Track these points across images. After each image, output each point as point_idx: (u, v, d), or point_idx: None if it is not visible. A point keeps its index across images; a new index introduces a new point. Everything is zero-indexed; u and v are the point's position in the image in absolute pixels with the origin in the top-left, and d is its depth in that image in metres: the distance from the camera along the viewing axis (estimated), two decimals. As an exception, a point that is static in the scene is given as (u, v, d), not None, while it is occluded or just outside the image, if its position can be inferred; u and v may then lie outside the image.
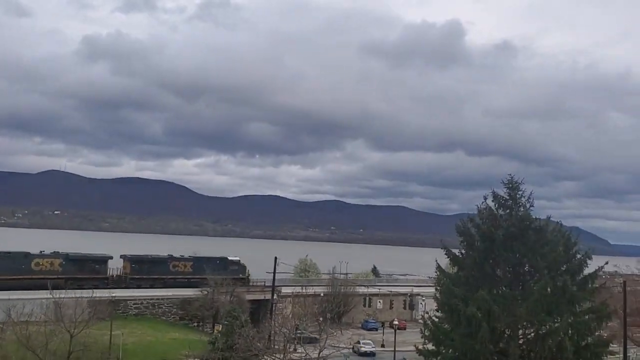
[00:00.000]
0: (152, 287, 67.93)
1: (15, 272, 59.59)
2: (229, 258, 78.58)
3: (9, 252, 63.25)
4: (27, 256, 62.40)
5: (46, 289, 50.85)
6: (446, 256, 30.56)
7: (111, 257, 69.79)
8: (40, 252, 64.88)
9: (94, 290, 51.76)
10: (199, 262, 72.97)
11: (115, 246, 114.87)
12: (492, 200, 29.64)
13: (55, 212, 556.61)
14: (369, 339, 63.77)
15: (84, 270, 64.77)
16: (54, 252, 66.15)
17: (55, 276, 59.76)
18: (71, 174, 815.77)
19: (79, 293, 49.90)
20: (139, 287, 66.82)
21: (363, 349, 58.76)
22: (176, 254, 76.95)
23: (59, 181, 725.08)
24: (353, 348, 58.34)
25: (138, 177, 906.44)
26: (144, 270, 68.94)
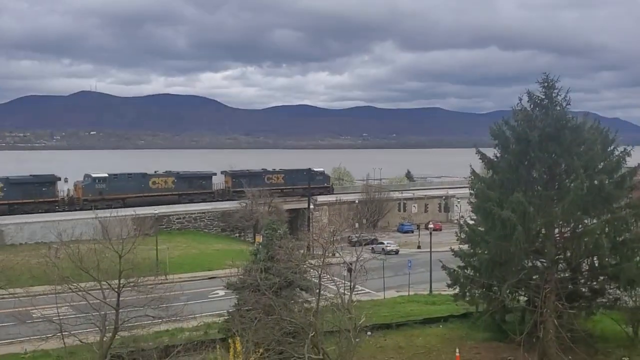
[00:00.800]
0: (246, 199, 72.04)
1: (138, 190, 67.21)
2: (314, 169, 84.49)
3: (131, 174, 70.00)
4: (144, 176, 69.40)
5: (166, 203, 64.53)
6: (480, 160, 30.38)
7: (215, 174, 76.23)
8: (155, 172, 71.89)
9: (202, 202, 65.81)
10: (289, 174, 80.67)
11: (160, 163, 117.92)
12: (528, 101, 28.91)
13: (92, 133, 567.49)
14: (391, 240, 66.58)
15: (193, 186, 71.64)
16: (166, 171, 73.27)
17: (170, 193, 68.81)
18: (102, 93, 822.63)
19: (122, 212, 52.24)
20: (240, 198, 72.23)
21: (388, 248, 61.23)
22: (225, 168, 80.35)
23: (92, 102, 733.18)
24: (373, 249, 59.01)
25: (168, 94, 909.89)
26: (243, 184, 73.98)
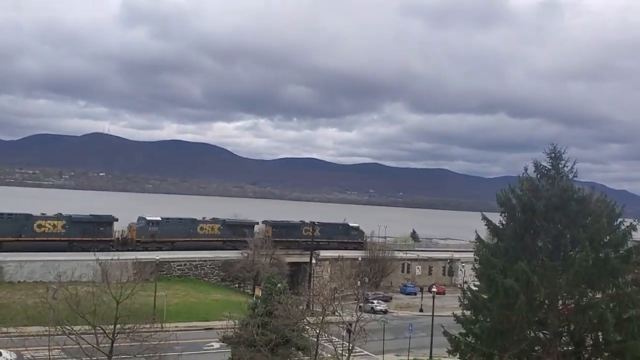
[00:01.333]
0: (288, 248, 75.67)
1: (187, 235, 69.81)
2: (350, 224, 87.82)
3: (182, 219, 72.98)
4: (194, 222, 72.19)
5: (212, 249, 67.84)
6: (486, 227, 30.27)
7: (257, 223, 78.05)
8: (203, 218, 74.62)
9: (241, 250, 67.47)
10: (325, 227, 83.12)
11: (165, 207, 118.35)
12: (534, 170, 29.03)
13: (100, 174, 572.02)
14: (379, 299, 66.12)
15: (237, 234, 73.06)
16: (213, 218, 75.93)
17: (215, 239, 71.34)
18: (114, 136, 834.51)
19: (123, 256, 52.03)
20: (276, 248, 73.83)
21: (377, 308, 60.47)
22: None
23: (103, 144, 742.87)
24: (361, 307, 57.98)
25: (179, 140, 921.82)
26: (283, 234, 78.00)
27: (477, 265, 30.77)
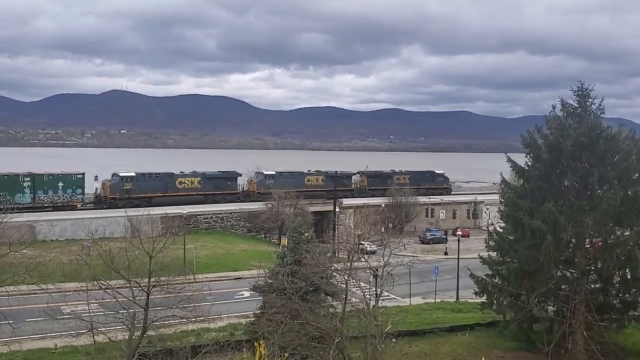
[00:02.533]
0: (381, 196, 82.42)
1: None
2: (436, 171, 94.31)
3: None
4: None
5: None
6: (511, 168, 30.05)
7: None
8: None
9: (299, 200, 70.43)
10: (414, 175, 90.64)
11: (189, 162, 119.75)
12: (561, 109, 28.51)
13: (122, 131, 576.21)
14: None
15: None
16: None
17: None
18: (133, 93, 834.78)
19: (151, 210, 53.03)
20: (373, 196, 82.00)
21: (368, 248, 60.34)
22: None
23: (122, 101, 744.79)
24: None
25: (197, 94, 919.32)
26: (376, 182, 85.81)
27: (502, 208, 30.77)
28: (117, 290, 22.80)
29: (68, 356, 27.72)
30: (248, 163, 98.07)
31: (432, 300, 42.62)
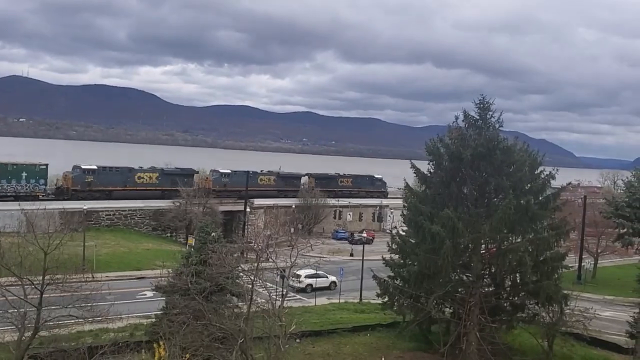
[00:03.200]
0: (328, 197, 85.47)
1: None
2: (375, 176, 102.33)
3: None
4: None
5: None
6: (414, 175, 31.26)
7: (197, 172, 79.83)
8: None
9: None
10: (356, 179, 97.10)
11: (88, 155, 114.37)
12: (463, 120, 30.02)
13: (20, 120, 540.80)
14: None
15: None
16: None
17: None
18: (35, 79, 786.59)
19: (49, 205, 50.29)
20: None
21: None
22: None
23: (22, 87, 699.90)
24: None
25: (104, 85, 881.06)
26: (323, 184, 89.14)
27: (405, 212, 31.91)
28: (7, 288, 21.49)
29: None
30: (154, 159, 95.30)
31: (337, 301, 43.37)
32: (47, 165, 64.23)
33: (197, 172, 79.81)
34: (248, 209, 72.08)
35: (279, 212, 74.88)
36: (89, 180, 66.15)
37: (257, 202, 78.07)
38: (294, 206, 79.38)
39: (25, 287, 21.56)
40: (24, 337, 21.36)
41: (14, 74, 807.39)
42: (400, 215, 33.60)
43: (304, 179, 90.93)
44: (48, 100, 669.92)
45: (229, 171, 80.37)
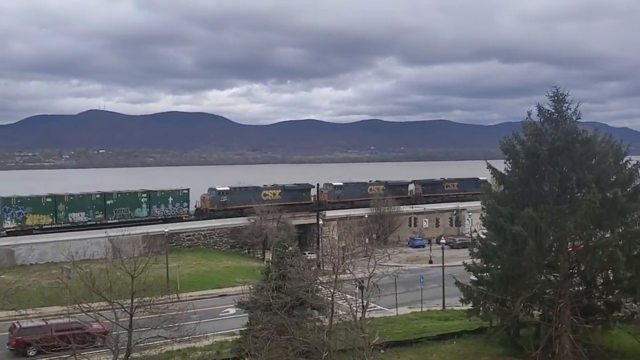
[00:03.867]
0: (434, 202, 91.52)
1: (361, 196, 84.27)
2: (480, 178, 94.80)
3: (247, 187, 79.91)
4: (257, 189, 78.67)
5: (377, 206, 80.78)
6: (491, 175, 30.27)
7: (313, 186, 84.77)
8: (264, 185, 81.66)
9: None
10: (462, 182, 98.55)
11: (169, 180, 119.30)
12: (537, 115, 28.84)
13: (100, 151, 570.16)
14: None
15: (295, 198, 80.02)
16: (274, 184, 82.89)
17: (278, 203, 74.97)
18: (110, 112, 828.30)
19: (132, 230, 52.40)
20: (426, 203, 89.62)
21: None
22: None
23: (100, 120, 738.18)
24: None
25: (176, 111, 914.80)
26: (429, 190, 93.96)
27: (484, 214, 30.93)
28: (100, 312, 22.43)
29: (51, 382, 27.10)
30: (229, 178, 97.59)
31: (419, 310, 42.57)
32: (188, 190, 72.54)
33: (314, 187, 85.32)
34: (321, 222, 72.37)
35: (352, 223, 74.67)
36: (224, 200, 73.62)
37: (329, 214, 78.27)
38: (366, 216, 78.96)
39: (116, 310, 22.43)
40: (118, 359, 22.18)
41: (92, 108, 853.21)
42: (479, 218, 32.61)
43: (410, 186, 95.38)
44: (124, 131, 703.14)
45: (341, 184, 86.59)
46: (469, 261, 32.43)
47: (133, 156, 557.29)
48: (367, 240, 52.07)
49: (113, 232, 43.59)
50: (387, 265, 37.54)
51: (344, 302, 26.50)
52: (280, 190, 79.36)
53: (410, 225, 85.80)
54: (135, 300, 22.37)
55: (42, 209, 60.92)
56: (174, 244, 64.73)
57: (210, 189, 75.87)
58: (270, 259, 34.73)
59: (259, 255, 68.47)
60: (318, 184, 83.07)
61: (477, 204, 49.87)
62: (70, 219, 62.33)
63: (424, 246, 75.72)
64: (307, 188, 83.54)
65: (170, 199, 70.06)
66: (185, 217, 70.35)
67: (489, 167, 29.98)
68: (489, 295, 30.07)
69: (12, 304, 26.56)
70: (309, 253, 59.79)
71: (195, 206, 74.28)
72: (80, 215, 62.94)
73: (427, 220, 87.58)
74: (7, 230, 59.23)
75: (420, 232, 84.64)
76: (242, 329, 27.37)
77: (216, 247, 69.72)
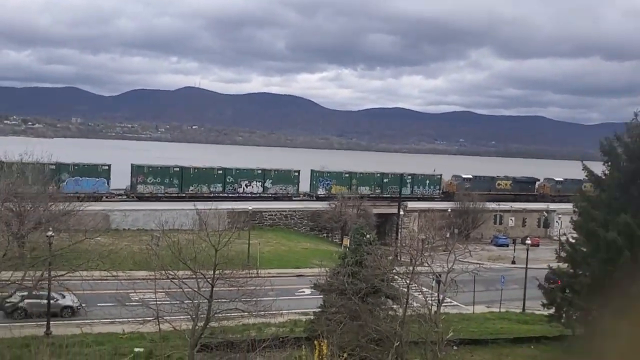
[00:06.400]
0: (527, 201, 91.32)
1: (488, 189, 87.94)
2: (534, 177, 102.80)
3: (483, 176, 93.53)
4: (493, 179, 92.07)
5: (505, 201, 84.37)
6: (586, 177, 28.73)
7: (538, 179, 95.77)
8: (497, 176, 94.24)
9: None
10: (515, 182, 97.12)
11: (256, 160, 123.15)
12: (644, 116, 26.98)
13: (193, 127, 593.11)
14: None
15: (523, 189, 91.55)
16: (505, 176, 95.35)
17: (508, 193, 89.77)
18: (205, 90, 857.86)
19: (218, 205, 54.38)
20: (553, 201, 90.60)
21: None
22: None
23: (195, 97, 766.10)
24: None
25: (266, 92, 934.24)
26: (558, 190, 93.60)
27: (575, 217, 29.47)
28: (183, 280, 23.47)
29: (134, 342, 28.76)
30: (313, 162, 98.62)
31: (497, 310, 41.37)
32: (441, 175, 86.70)
33: (539, 180, 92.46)
34: (402, 212, 71.70)
35: (435, 216, 73.37)
36: (467, 186, 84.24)
37: (411, 205, 77.30)
38: (449, 210, 77.30)
39: (199, 280, 23.38)
40: (197, 327, 23.18)
41: (188, 85, 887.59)
42: (570, 221, 31.10)
43: (538, 184, 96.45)
44: (217, 109, 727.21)
45: (470, 176, 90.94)
46: (554, 265, 31.11)
47: (223, 134, 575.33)
48: (448, 234, 51.07)
49: (200, 206, 45.35)
50: (467, 262, 36.74)
51: (419, 294, 26.21)
52: (511, 182, 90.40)
53: (495, 223, 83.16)
54: (217, 272, 23.20)
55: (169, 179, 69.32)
56: (257, 222, 66.37)
57: (456, 176, 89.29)
58: (348, 245, 34.90)
59: (337, 240, 68.92)
60: (441, 175, 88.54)
61: (569, 206, 47.64)
62: (194, 189, 70.34)
63: (507, 245, 73.22)
64: (533, 181, 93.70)
65: (427, 181, 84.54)
66: (436, 197, 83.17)
67: (585, 168, 28.47)
68: (574, 302, 28.73)
69: (105, 265, 28.37)
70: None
71: (441, 189, 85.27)
72: (202, 187, 71.13)
73: (513, 219, 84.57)
74: (137, 194, 66.99)
75: (505, 231, 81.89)
76: (316, 310, 27.78)
77: (296, 228, 70.86)
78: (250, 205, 63.02)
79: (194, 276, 23.44)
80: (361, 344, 23.04)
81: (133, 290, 27.33)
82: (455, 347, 27.09)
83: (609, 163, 27.91)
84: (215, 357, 23.34)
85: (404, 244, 43.02)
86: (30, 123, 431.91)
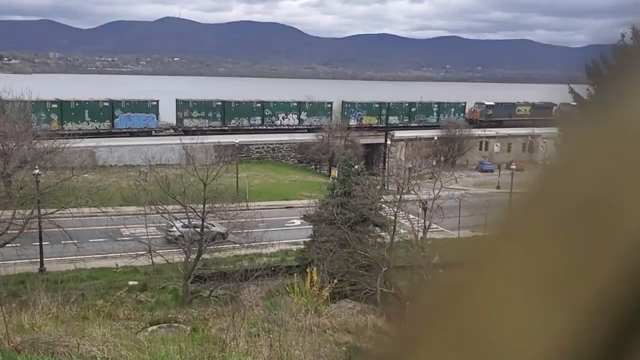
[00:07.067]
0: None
1: (509, 116, 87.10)
2: (551, 102, 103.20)
3: (506, 103, 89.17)
4: (514, 105, 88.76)
5: (527, 126, 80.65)
6: (573, 101, 28.83)
7: (556, 104, 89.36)
8: (517, 102, 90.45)
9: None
10: (535, 107, 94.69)
11: (240, 92, 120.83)
12: (631, 37, 26.73)
13: (175, 59, 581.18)
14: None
15: (542, 115, 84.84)
16: (525, 101, 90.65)
17: (528, 118, 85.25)
18: (185, 20, 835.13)
19: (204, 139, 54.20)
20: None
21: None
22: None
23: (175, 28, 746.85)
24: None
25: (248, 20, 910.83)
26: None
27: (559, 141, 29.80)
28: (174, 214, 23.76)
29: (128, 275, 29.33)
30: (299, 93, 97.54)
31: (482, 234, 42.38)
32: (465, 103, 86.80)
33: (556, 105, 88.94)
34: (389, 142, 71.92)
35: (421, 145, 73.73)
36: (489, 113, 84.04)
37: (398, 134, 77.35)
38: (435, 138, 77.60)
39: (189, 214, 23.68)
40: (190, 259, 23.68)
41: (168, 15, 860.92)
42: (554, 145, 31.46)
43: (555, 109, 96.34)
44: (198, 39, 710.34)
45: (492, 103, 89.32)
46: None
47: (206, 65, 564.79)
48: (434, 162, 51.55)
49: (187, 140, 45.14)
50: (453, 188, 37.46)
51: (406, 221, 26.77)
52: (530, 107, 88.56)
53: (480, 149, 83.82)
54: (207, 206, 23.48)
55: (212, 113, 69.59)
56: (244, 155, 66.31)
57: (477, 103, 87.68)
58: (336, 176, 35.23)
59: (325, 172, 69.28)
60: (465, 103, 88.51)
61: (553, 130, 47.97)
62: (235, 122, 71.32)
63: (492, 171, 74.13)
64: (549, 106, 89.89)
65: (452, 110, 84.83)
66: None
67: (571, 91, 28.52)
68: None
69: (94, 201, 28.51)
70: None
71: (465, 117, 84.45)
72: (243, 121, 71.50)
73: (498, 144, 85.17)
74: (183, 128, 66.61)
75: (490, 157, 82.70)
76: (306, 239, 28.36)
77: (284, 160, 70.94)
78: (237, 139, 62.79)
79: (183, 210, 23.72)
80: (350, 270, 23.71)
81: (124, 226, 27.65)
82: (441, 271, 27.99)
83: (594, 85, 27.98)
84: (209, 288, 23.98)
85: (391, 173, 43.61)
86: (6, 59, 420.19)
